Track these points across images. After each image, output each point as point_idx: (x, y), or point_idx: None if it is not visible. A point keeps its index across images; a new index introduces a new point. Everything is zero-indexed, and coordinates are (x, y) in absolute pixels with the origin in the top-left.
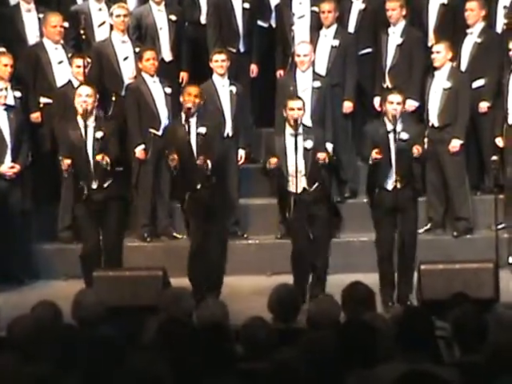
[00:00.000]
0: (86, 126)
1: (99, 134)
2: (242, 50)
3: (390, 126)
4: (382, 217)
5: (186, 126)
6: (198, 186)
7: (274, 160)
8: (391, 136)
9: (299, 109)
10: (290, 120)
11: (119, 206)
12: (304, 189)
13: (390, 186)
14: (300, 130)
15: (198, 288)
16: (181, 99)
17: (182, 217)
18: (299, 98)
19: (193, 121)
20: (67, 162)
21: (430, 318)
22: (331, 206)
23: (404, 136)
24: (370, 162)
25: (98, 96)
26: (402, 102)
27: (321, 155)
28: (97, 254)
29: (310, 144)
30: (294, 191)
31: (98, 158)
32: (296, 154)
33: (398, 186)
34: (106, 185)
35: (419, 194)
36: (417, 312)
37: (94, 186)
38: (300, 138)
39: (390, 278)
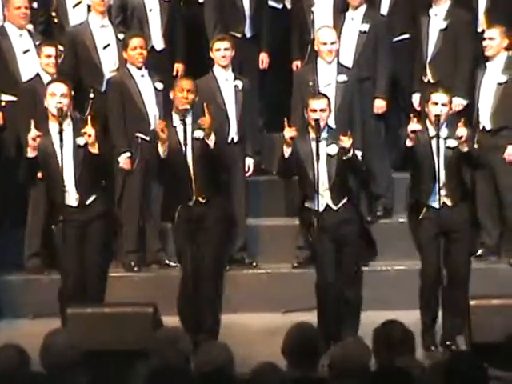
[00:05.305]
0: (61, 132)
1: (81, 141)
2: (248, 34)
3: (432, 131)
4: (427, 241)
5: (181, 129)
6: (191, 202)
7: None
8: (434, 142)
9: (322, 110)
10: (311, 123)
11: (104, 227)
12: (328, 206)
13: (436, 203)
14: (324, 133)
15: (191, 331)
16: (171, 95)
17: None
18: (324, 96)
19: (188, 121)
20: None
21: (483, 366)
22: (363, 226)
23: (451, 143)
24: (408, 144)
25: (73, 94)
26: (449, 103)
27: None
28: (80, 289)
29: (334, 149)
30: (317, 209)
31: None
32: (318, 162)
33: (449, 203)
34: (88, 202)
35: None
36: (465, 358)
37: (74, 203)
38: (323, 144)
39: (434, 315)
